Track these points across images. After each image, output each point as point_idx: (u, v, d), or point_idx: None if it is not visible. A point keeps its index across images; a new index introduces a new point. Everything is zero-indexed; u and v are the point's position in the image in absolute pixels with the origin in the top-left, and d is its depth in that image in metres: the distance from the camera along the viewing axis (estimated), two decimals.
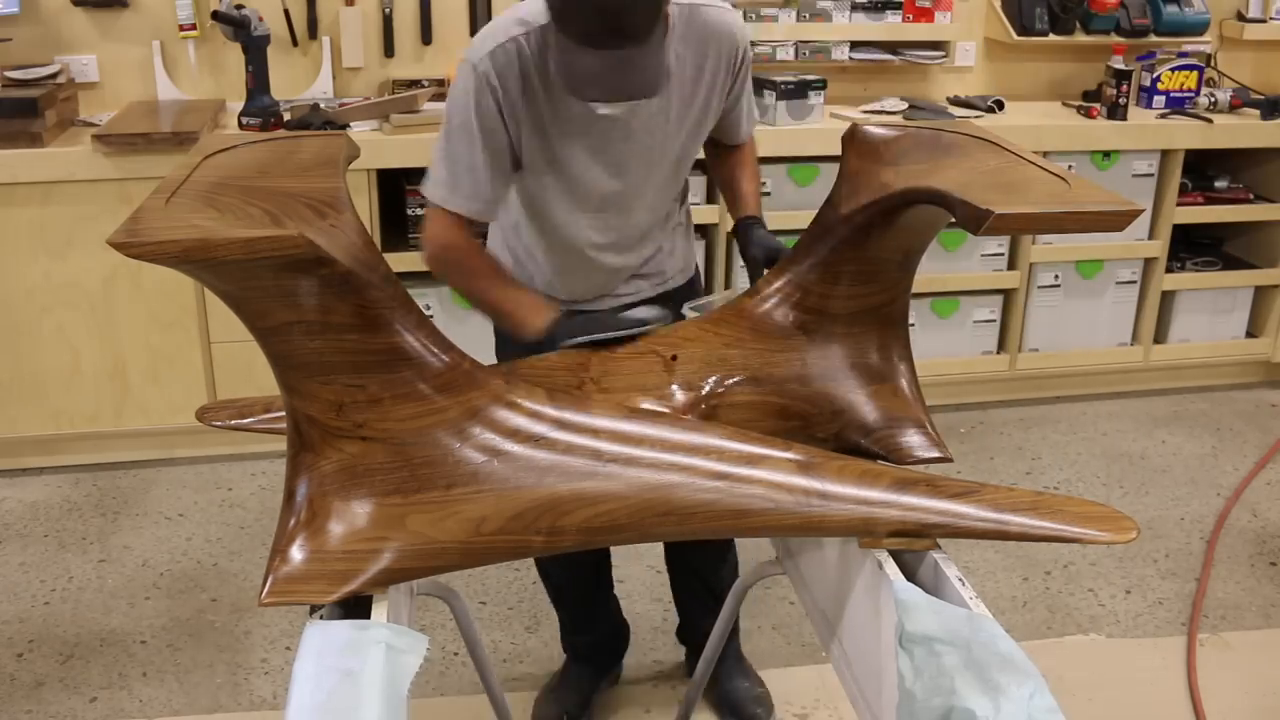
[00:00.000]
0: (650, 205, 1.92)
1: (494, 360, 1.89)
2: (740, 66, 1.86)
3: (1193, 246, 3.91)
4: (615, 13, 1.48)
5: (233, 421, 1.67)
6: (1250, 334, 3.96)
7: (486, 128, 1.73)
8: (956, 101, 3.77)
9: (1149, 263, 3.76)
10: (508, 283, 1.85)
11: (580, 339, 1.59)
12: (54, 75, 3.21)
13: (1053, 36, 3.74)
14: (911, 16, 3.65)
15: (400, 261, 3.16)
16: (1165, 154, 3.63)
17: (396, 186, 3.25)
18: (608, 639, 2.39)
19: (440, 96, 3.39)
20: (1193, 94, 3.76)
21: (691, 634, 2.39)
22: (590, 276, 1.98)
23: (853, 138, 1.57)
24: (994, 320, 3.71)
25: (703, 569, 2.27)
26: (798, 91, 3.37)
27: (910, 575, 1.36)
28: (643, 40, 1.51)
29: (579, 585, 2.28)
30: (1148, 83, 3.75)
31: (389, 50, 3.48)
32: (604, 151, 1.80)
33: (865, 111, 3.61)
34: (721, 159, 2.05)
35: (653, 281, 2.03)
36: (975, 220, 1.27)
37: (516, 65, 1.71)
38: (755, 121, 2.03)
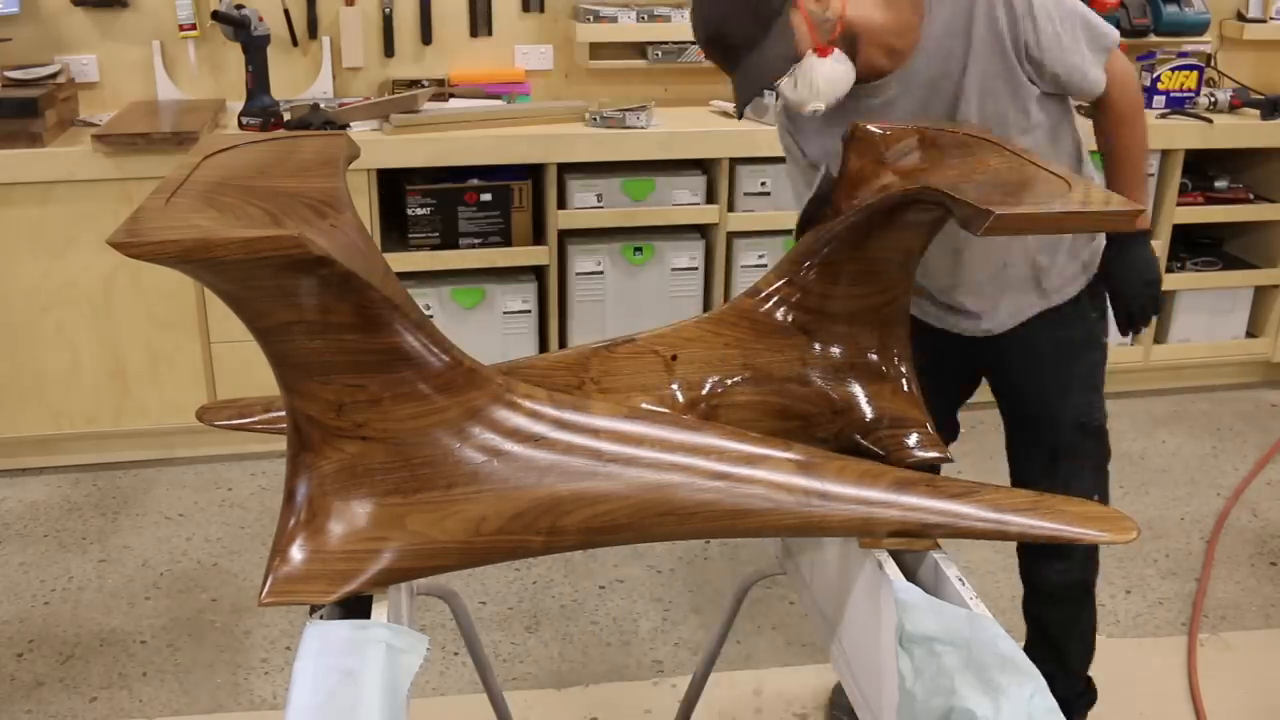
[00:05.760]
0: None
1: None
2: (1009, 12, 1.73)
3: (1193, 246, 3.91)
4: (718, 36, 1.61)
5: (233, 421, 1.67)
6: (1250, 334, 3.95)
7: None
8: None
9: None
10: None
11: None
12: (54, 75, 3.21)
13: None
14: None
15: (400, 261, 3.20)
16: (1165, 154, 3.63)
17: (396, 186, 3.24)
18: None
19: (440, 96, 3.39)
20: (1193, 94, 3.76)
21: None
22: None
23: (853, 137, 1.57)
24: None
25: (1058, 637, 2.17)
26: None
27: (910, 575, 1.36)
28: (753, 47, 1.59)
29: None
30: (1148, 83, 3.75)
31: (389, 50, 3.49)
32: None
33: None
34: (1097, 126, 1.86)
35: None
36: (975, 220, 1.27)
37: None
38: (1099, 69, 1.76)
